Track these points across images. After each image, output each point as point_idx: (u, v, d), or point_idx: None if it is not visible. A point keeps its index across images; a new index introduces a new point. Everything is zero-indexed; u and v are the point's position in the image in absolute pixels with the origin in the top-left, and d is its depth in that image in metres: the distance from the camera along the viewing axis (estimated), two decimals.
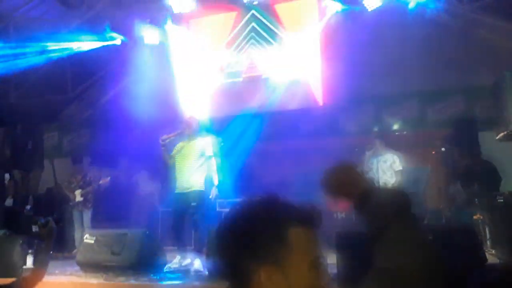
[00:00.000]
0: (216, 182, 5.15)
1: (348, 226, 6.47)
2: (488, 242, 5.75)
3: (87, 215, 6.80)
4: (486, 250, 5.53)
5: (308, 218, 1.03)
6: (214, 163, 5.18)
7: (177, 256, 4.94)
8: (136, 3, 8.72)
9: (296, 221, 1.01)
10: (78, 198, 6.73)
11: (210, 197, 5.03)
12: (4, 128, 7.83)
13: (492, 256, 5.15)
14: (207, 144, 5.14)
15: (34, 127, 7.41)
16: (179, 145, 5.20)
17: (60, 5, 8.44)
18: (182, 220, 5.00)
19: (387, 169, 6.03)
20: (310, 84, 8.71)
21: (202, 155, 5.08)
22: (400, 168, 5.97)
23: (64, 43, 8.86)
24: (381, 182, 5.97)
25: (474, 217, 6.06)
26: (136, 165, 9.09)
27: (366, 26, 7.68)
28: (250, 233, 0.98)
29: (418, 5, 7.52)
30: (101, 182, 6.86)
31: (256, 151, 8.34)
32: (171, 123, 5.69)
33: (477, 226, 6.00)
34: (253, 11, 8.85)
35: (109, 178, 7.01)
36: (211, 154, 5.17)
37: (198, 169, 5.06)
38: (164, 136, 5.08)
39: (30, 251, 4.40)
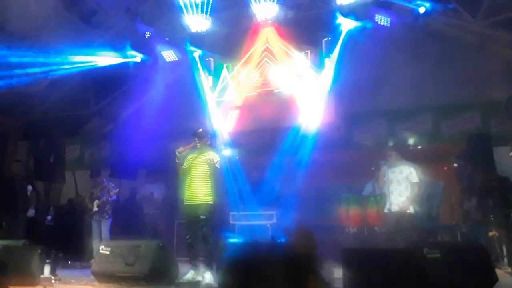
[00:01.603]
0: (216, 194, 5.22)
1: (360, 241, 6.46)
2: (505, 260, 5.65)
3: (105, 225, 6.98)
4: (502, 268, 5.45)
5: (318, 265, 1.04)
6: (217, 178, 5.24)
7: (191, 271, 5.03)
8: (155, 22, 9.03)
9: (311, 269, 1.01)
10: (95, 208, 6.95)
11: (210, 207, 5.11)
12: (28, 142, 8.18)
13: (508, 275, 5.06)
14: (215, 158, 5.21)
15: (57, 141, 7.71)
16: (190, 157, 5.28)
17: (83, 23, 8.83)
18: (194, 232, 5.08)
19: (403, 180, 5.91)
20: (324, 99, 8.79)
21: (210, 168, 5.15)
22: (417, 180, 5.84)
23: (86, 59, 9.22)
24: (395, 193, 5.90)
25: (490, 233, 5.96)
26: (153, 177, 9.32)
27: (379, 42, 7.75)
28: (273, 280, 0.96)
29: (429, 19, 7.52)
30: (111, 193, 7.07)
31: (271, 165, 8.44)
32: (186, 136, 5.79)
33: (492, 243, 5.90)
34: (267, 31, 9.05)
35: (117, 190, 7.20)
36: (218, 167, 5.22)
37: (207, 182, 5.14)
38: (180, 149, 5.18)
39: (48, 261, 4.57)
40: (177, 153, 5.18)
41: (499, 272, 4.55)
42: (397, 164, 6.05)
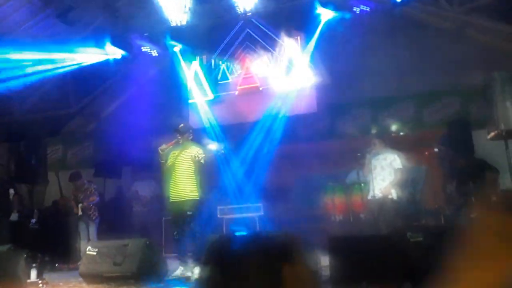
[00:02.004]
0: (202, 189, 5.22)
1: (345, 228, 6.56)
2: None
3: (93, 227, 6.91)
4: None
5: (296, 252, 0.99)
6: (203, 173, 5.24)
7: (180, 267, 5.04)
8: (134, 17, 8.91)
9: (287, 257, 0.96)
10: (80, 212, 6.87)
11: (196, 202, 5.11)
12: (9, 144, 8.02)
13: None
14: (199, 153, 5.21)
15: (38, 142, 7.57)
16: (173, 153, 5.26)
17: (61, 22, 8.66)
18: (181, 228, 5.08)
19: (387, 166, 6.00)
20: (306, 90, 8.84)
21: (194, 164, 5.14)
22: (400, 166, 5.95)
23: (65, 57, 9.06)
24: (379, 179, 5.98)
25: (471, 216, 6.11)
26: (140, 174, 9.25)
27: (359, 32, 7.81)
28: (249, 275, 0.93)
29: (406, 7, 7.61)
30: (91, 199, 6.96)
31: (256, 158, 8.47)
32: (170, 132, 5.75)
33: None
34: (247, 23, 9.04)
35: (96, 196, 7.10)
36: (202, 162, 5.21)
37: (192, 177, 5.14)
38: (163, 146, 5.17)
39: (34, 265, 4.52)
40: (160, 151, 5.16)
41: None
42: (381, 151, 6.13)
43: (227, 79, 9.54)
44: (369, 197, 6.14)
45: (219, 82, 9.57)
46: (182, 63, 9.51)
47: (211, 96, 9.55)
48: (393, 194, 5.91)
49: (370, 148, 6.18)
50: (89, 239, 6.68)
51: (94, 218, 6.93)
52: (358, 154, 6.43)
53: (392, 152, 6.12)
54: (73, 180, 7.20)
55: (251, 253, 0.96)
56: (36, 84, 9.23)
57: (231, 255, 0.97)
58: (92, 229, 6.88)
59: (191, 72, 9.62)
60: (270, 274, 0.94)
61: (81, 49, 9.12)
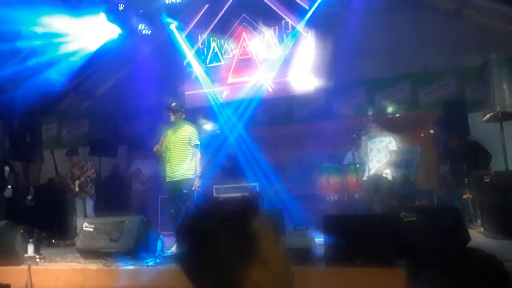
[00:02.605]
0: (199, 173, 5.20)
1: (340, 208, 6.64)
2: (478, 221, 5.90)
3: (89, 203, 6.96)
4: (475, 228, 5.70)
5: (257, 205, 1.04)
6: (198, 152, 5.26)
7: (176, 244, 5.10)
8: None
9: (251, 211, 1.02)
10: (77, 188, 6.90)
11: (193, 188, 5.10)
12: (3, 121, 7.95)
13: (481, 234, 5.31)
14: (192, 133, 5.23)
15: (32, 119, 7.51)
16: (166, 133, 5.30)
17: None
18: (177, 206, 5.13)
19: (383, 148, 6.06)
20: (302, 69, 8.78)
21: (187, 143, 5.18)
22: (395, 148, 6.01)
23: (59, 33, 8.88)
24: (375, 161, 6.04)
25: (464, 196, 6.20)
26: (135, 154, 9.25)
27: (356, 11, 7.72)
28: (221, 242, 0.96)
29: None
30: (88, 173, 7.01)
31: (252, 137, 8.48)
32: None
33: (467, 205, 6.16)
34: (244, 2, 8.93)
35: (93, 171, 7.15)
36: (197, 143, 5.25)
37: (186, 157, 5.16)
38: (156, 146, 5.26)
39: (31, 240, 4.55)
40: (155, 151, 5.25)
41: (472, 232, 4.78)
42: (377, 135, 6.17)
43: (223, 56, 9.42)
44: (364, 178, 6.21)
45: (215, 62, 9.46)
46: (179, 40, 9.37)
47: (207, 73, 9.47)
48: (388, 174, 5.97)
49: (365, 130, 6.21)
50: (85, 216, 6.72)
51: (91, 194, 6.97)
52: (354, 136, 6.49)
53: (388, 134, 6.17)
54: (69, 155, 7.21)
55: (220, 218, 0.98)
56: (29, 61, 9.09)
57: (203, 225, 0.99)
58: (89, 205, 6.92)
59: (190, 49, 9.47)
60: (242, 234, 0.97)
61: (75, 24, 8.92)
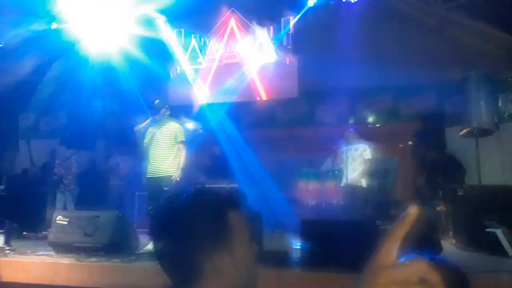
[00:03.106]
0: (181, 165, 5.14)
1: (318, 214, 6.70)
2: (450, 233, 6.05)
3: (71, 197, 6.88)
4: (448, 240, 5.84)
5: (239, 200, 1.08)
6: (184, 148, 5.22)
7: (151, 242, 5.04)
8: None
9: (232, 204, 1.05)
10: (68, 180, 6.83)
11: (173, 178, 5.05)
12: None
13: (452, 246, 5.44)
14: (178, 130, 5.19)
15: (8, 107, 7.32)
16: (150, 130, 5.23)
17: None
18: (156, 203, 5.07)
19: (357, 157, 6.20)
20: (286, 75, 8.85)
21: (173, 140, 5.13)
22: (370, 157, 6.14)
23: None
24: (350, 169, 6.15)
25: (438, 208, 6.34)
26: (113, 148, 9.12)
27: (341, 20, 7.84)
28: (195, 226, 0.99)
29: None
30: (73, 170, 6.92)
31: (234, 140, 8.48)
32: (148, 107, 5.70)
33: (440, 217, 6.30)
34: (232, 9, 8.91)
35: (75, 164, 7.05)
36: (183, 139, 5.21)
37: (170, 154, 5.11)
38: (138, 126, 5.15)
39: (1, 231, 4.43)
40: (135, 131, 5.14)
41: (444, 243, 4.90)
42: (354, 142, 6.30)
43: (209, 55, 9.36)
44: (342, 185, 6.31)
45: (201, 58, 9.40)
46: (166, 34, 9.26)
47: (193, 71, 9.40)
48: (363, 183, 6.09)
49: (344, 138, 6.33)
50: (65, 210, 6.61)
51: (73, 187, 6.88)
52: (333, 147, 6.60)
53: (364, 143, 6.31)
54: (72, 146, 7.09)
55: (196, 206, 1.03)
56: (7, 48, 8.85)
57: (178, 214, 1.03)
58: (70, 200, 6.81)
59: (178, 45, 9.38)
60: (217, 221, 1.01)
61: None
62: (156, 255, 1.05)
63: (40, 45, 8.87)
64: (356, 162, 6.20)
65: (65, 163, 6.88)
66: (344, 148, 6.29)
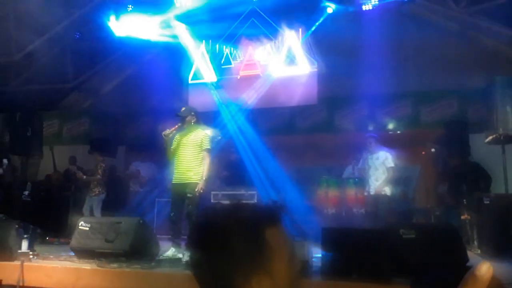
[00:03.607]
0: (205, 176, 5.09)
1: (338, 222, 6.62)
2: (475, 242, 5.89)
3: (99, 202, 7.03)
4: (472, 250, 5.69)
5: (278, 216, 1.03)
6: (208, 156, 5.19)
7: (172, 248, 5.05)
8: None
9: (269, 221, 1.00)
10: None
11: (196, 190, 5.04)
12: (4, 114, 7.95)
13: (477, 255, 5.29)
14: (204, 137, 5.17)
15: (34, 114, 7.50)
16: (178, 137, 5.23)
17: None
18: (178, 210, 5.08)
19: (380, 165, 6.13)
20: (307, 82, 8.81)
21: (199, 147, 5.11)
22: (392, 164, 6.06)
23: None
24: (373, 178, 6.09)
25: (462, 217, 6.19)
26: (134, 155, 9.23)
27: (362, 27, 7.78)
28: (231, 244, 0.95)
29: (413, 4, 7.59)
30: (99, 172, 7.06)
31: (254, 146, 8.48)
32: (170, 115, 5.70)
33: (464, 226, 6.14)
34: (252, 10, 8.96)
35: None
36: (208, 147, 5.18)
37: (195, 161, 5.10)
38: (167, 131, 5.12)
39: (25, 236, 4.50)
40: (163, 136, 5.13)
41: (469, 253, 4.77)
42: (375, 150, 6.24)
43: (230, 63, 9.46)
44: (365, 193, 6.24)
45: (222, 67, 9.49)
46: (188, 43, 9.36)
47: (215, 78, 9.48)
48: (387, 191, 6.01)
49: (366, 146, 6.28)
50: (93, 215, 6.75)
51: (93, 194, 7.02)
52: (354, 161, 6.52)
53: (385, 151, 6.25)
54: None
55: (233, 223, 0.97)
56: (34, 55, 9.10)
57: (214, 230, 0.98)
58: (98, 205, 6.95)
59: (199, 53, 9.48)
60: (253, 240, 0.95)
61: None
62: (192, 267, 1.01)
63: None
64: (379, 171, 6.14)
65: (92, 169, 7.02)
66: (365, 156, 6.23)
